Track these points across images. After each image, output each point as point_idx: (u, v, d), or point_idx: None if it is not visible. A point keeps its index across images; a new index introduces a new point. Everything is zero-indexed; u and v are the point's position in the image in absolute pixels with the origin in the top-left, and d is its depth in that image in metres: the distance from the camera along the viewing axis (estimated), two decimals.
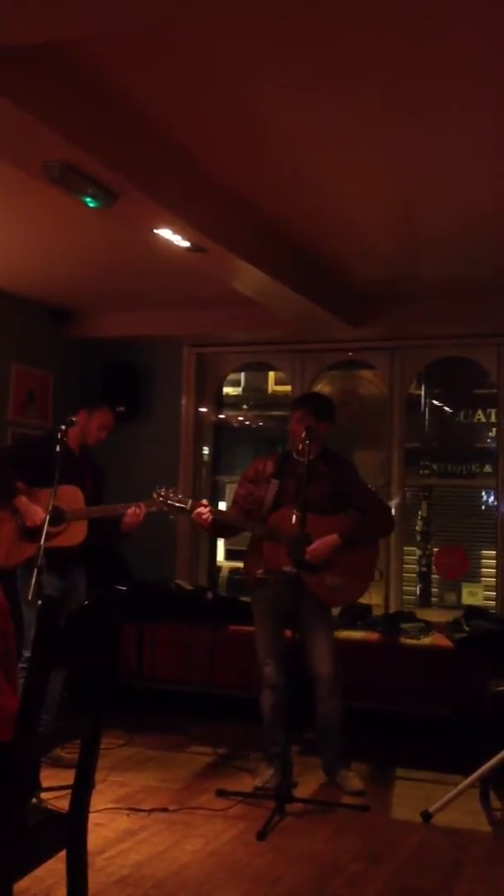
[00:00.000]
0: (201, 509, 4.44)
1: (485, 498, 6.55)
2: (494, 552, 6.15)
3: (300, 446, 4.37)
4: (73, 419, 4.53)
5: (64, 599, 4.44)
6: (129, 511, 4.59)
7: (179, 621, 5.78)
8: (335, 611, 5.00)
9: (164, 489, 4.52)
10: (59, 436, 4.28)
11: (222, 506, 6.97)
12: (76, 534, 4.56)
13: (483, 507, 6.57)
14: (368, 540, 4.56)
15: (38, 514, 4.42)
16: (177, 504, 4.49)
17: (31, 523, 4.43)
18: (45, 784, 3.61)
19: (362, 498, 4.62)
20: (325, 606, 4.55)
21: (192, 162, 3.87)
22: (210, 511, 4.46)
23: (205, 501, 4.58)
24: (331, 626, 4.61)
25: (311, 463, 4.34)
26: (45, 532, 4.07)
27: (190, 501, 4.52)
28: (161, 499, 4.49)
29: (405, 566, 6.43)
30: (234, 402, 7.84)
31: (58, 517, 4.38)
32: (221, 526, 4.57)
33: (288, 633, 4.43)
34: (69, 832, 2.47)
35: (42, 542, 4.03)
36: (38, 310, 6.39)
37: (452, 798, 4.03)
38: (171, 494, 4.51)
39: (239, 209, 4.36)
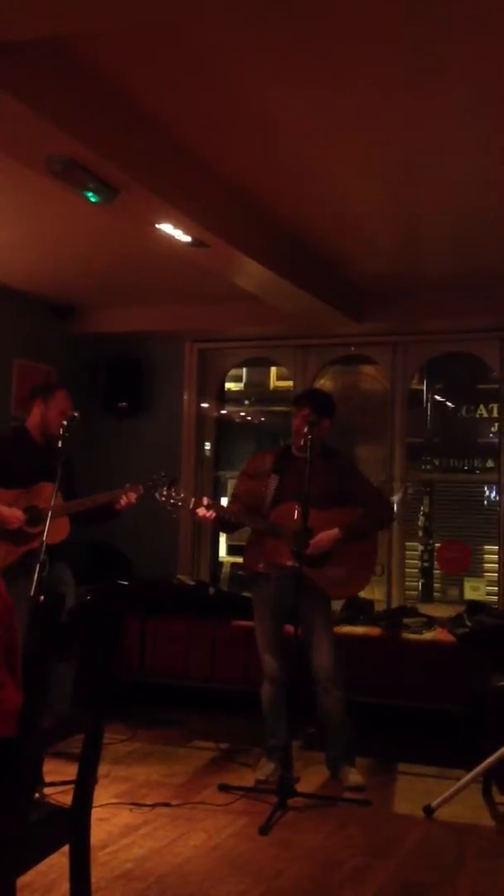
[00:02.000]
0: (201, 510, 4.45)
1: (487, 493, 6.55)
2: (496, 547, 6.15)
3: (302, 442, 4.38)
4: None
5: (58, 596, 4.42)
6: (123, 502, 4.52)
7: (181, 617, 5.79)
8: (336, 604, 5.02)
9: (165, 488, 4.50)
10: (60, 432, 4.20)
11: (224, 502, 6.99)
12: (58, 531, 4.41)
13: (485, 503, 6.57)
14: (369, 532, 4.58)
15: (14, 517, 4.35)
16: (179, 503, 4.51)
17: (11, 527, 4.36)
18: (47, 779, 3.62)
19: (363, 491, 4.64)
20: (326, 601, 4.57)
21: (194, 157, 3.86)
22: (211, 509, 4.46)
23: (206, 501, 4.54)
24: (330, 620, 4.62)
25: (310, 459, 4.33)
26: (47, 527, 4.03)
27: (192, 500, 4.52)
28: (164, 498, 4.48)
29: (407, 561, 6.44)
30: (236, 398, 7.84)
31: (36, 517, 4.33)
32: (223, 522, 4.61)
33: (289, 628, 4.43)
34: (72, 827, 2.48)
35: (45, 537, 4.00)
36: (41, 305, 6.38)
37: (455, 793, 4.04)
38: (174, 493, 4.50)
39: (241, 204, 4.36)
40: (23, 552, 4.39)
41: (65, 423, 4.24)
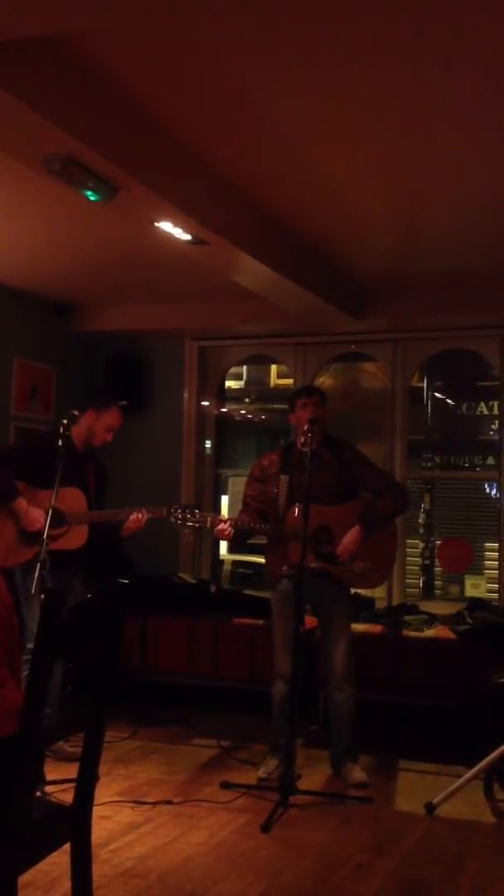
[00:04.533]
0: (221, 525, 4.40)
1: (487, 490, 6.55)
2: (497, 544, 6.15)
3: (303, 439, 4.36)
4: (75, 413, 4.41)
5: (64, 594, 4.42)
6: (132, 517, 4.47)
7: (182, 614, 5.79)
8: None
9: (180, 510, 4.42)
10: (60, 430, 4.19)
11: (224, 500, 6.99)
12: (77, 538, 4.45)
13: (486, 500, 6.57)
14: (387, 521, 4.56)
15: (37, 520, 4.29)
16: (196, 524, 4.44)
17: (31, 529, 4.31)
18: (49, 777, 3.62)
19: (374, 479, 4.61)
20: (348, 598, 4.59)
21: (193, 155, 3.86)
22: (230, 525, 4.40)
23: (223, 517, 4.47)
24: (350, 618, 4.64)
25: (315, 452, 4.29)
26: (47, 528, 4.04)
27: (209, 519, 4.46)
28: (179, 521, 4.40)
29: (408, 559, 6.44)
30: (237, 396, 7.84)
31: (58, 520, 4.28)
32: (241, 534, 4.51)
33: (310, 622, 4.44)
34: (73, 825, 2.48)
35: (45, 535, 4.00)
36: (40, 304, 6.38)
37: (456, 789, 4.04)
38: (189, 515, 4.41)
39: (240, 202, 4.35)
40: (37, 552, 4.36)
41: (64, 421, 4.26)
